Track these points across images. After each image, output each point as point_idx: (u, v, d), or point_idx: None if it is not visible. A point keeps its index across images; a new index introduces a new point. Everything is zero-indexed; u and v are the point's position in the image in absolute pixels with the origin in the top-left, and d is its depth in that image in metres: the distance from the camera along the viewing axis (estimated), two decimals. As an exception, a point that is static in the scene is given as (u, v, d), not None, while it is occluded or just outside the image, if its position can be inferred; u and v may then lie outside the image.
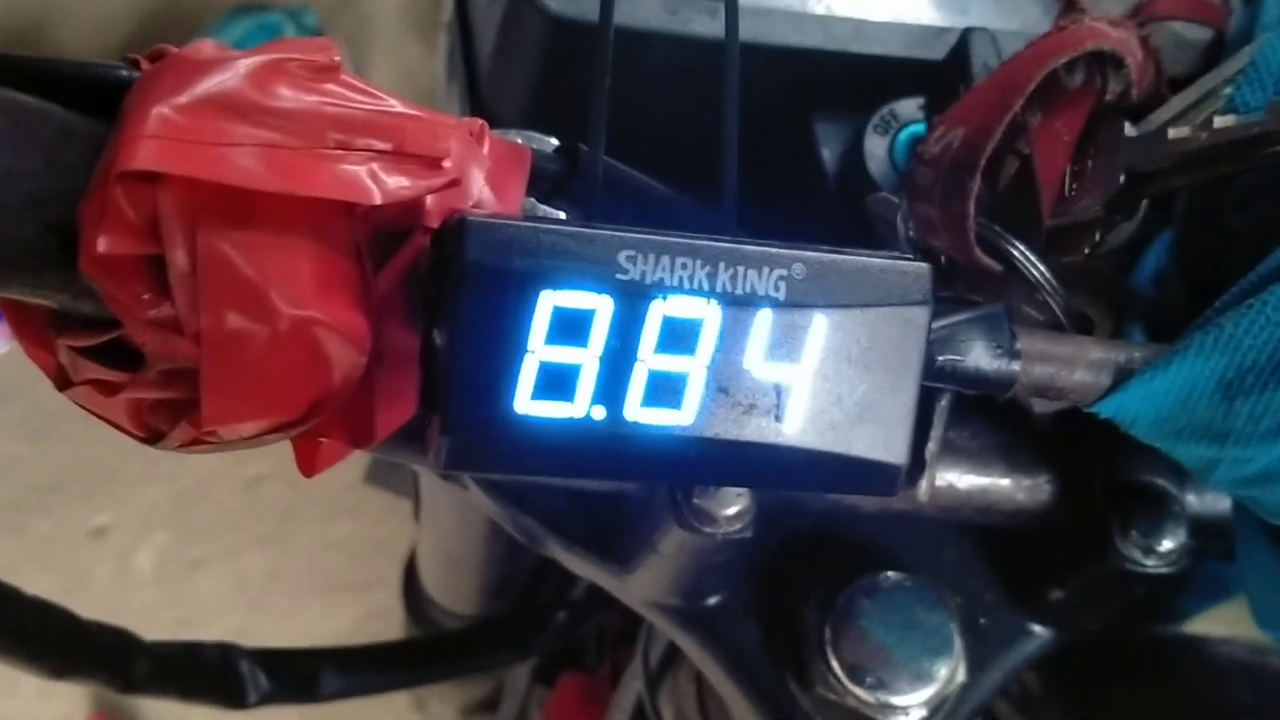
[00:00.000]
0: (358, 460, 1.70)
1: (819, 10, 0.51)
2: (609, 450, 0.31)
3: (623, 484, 0.48)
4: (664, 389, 0.31)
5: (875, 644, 0.48)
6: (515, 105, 0.54)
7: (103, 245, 0.27)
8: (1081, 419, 0.47)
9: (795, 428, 0.31)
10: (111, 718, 1.59)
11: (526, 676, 0.86)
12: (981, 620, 0.52)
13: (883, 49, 0.51)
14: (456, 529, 0.74)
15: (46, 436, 1.76)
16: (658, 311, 0.30)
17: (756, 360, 0.31)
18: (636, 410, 0.31)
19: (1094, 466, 0.49)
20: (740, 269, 0.30)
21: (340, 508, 1.81)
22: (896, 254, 0.32)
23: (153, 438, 0.33)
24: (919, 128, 0.49)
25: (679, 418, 0.31)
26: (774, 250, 0.31)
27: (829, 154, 0.51)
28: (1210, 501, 0.50)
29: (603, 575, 0.52)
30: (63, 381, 0.33)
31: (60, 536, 1.74)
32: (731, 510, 0.44)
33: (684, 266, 0.30)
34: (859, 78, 0.51)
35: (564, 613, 0.73)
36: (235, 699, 0.58)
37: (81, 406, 0.34)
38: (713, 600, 0.52)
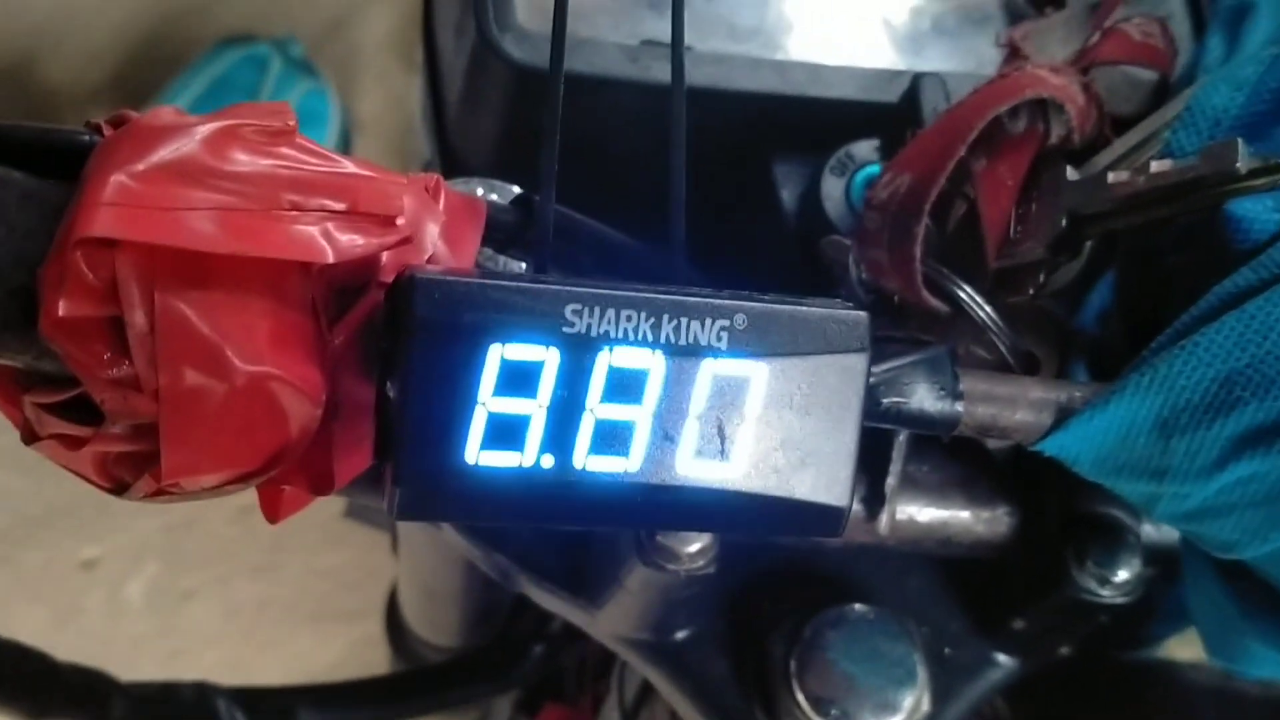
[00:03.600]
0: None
1: (776, 55, 0.53)
2: (558, 498, 0.32)
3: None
4: (611, 437, 0.32)
5: (840, 675, 0.49)
6: (482, 150, 0.55)
7: (63, 309, 0.28)
8: (1036, 454, 0.48)
9: (740, 473, 0.32)
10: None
11: (508, 708, 0.87)
12: (946, 650, 0.53)
13: (839, 93, 0.52)
14: (434, 564, 0.75)
15: (36, 468, 1.74)
16: (604, 362, 0.31)
17: (701, 408, 0.32)
18: (585, 458, 0.32)
19: (1050, 498, 0.50)
20: (683, 320, 0.31)
21: (330, 536, 1.81)
22: (837, 302, 0.33)
23: (118, 489, 0.34)
24: (875, 169, 0.50)
25: (626, 465, 0.32)
26: (716, 301, 0.32)
27: (788, 195, 0.52)
28: (1167, 530, 0.51)
29: (573, 611, 0.53)
30: (30, 435, 0.34)
31: (51, 568, 1.73)
32: (694, 548, 0.45)
33: (629, 319, 0.31)
34: (816, 121, 0.52)
35: (542, 645, 0.74)
36: (213, 739, 0.59)
37: (50, 458, 0.35)
38: (681, 634, 0.52)
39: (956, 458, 0.51)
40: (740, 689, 0.52)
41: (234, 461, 0.32)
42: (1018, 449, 0.50)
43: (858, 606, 0.50)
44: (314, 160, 0.32)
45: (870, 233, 0.42)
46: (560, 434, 0.31)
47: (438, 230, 0.35)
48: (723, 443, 0.32)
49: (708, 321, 0.32)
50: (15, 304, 0.29)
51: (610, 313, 0.31)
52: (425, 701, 0.69)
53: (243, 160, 0.31)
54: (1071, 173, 0.41)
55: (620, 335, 0.31)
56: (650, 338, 0.31)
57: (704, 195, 0.42)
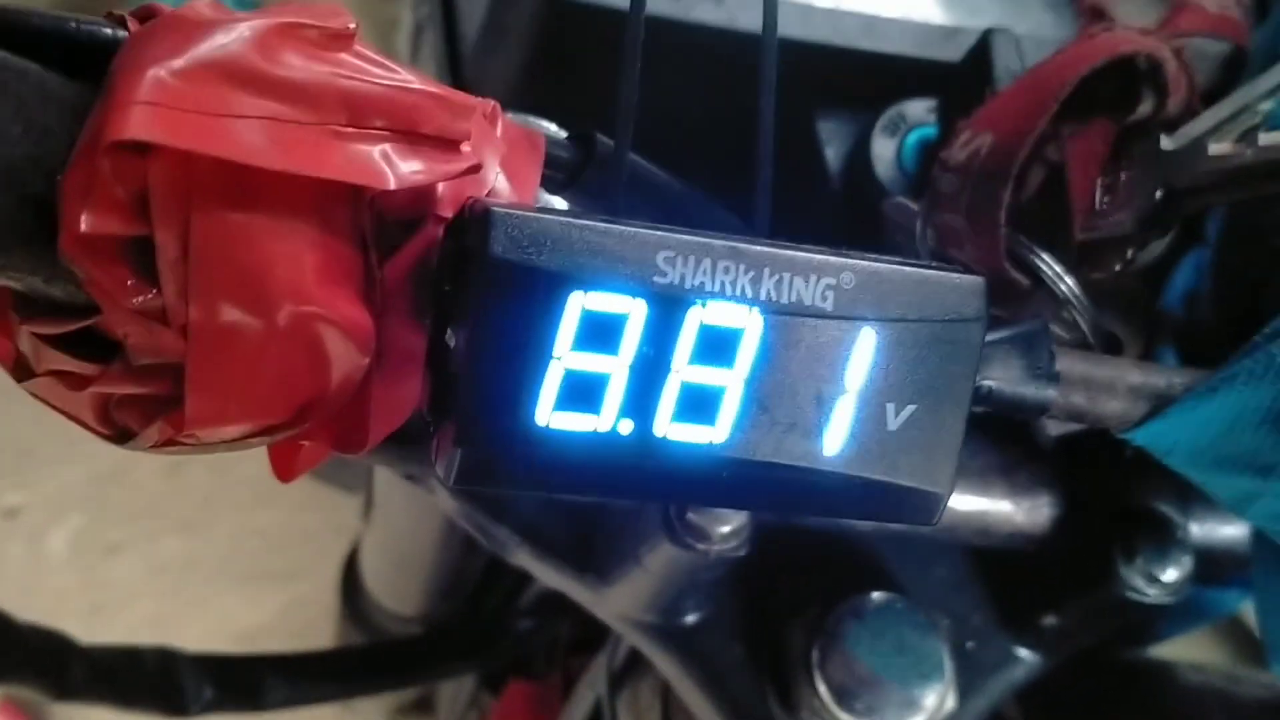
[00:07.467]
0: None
1: (827, 4, 0.49)
2: (636, 468, 0.28)
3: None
4: (698, 403, 0.28)
5: (864, 668, 0.46)
6: (503, 87, 0.51)
7: (86, 223, 0.24)
8: (1086, 441, 0.45)
9: (836, 451, 0.29)
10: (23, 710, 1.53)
11: (471, 683, 0.83)
12: (969, 644, 0.50)
13: (894, 47, 0.49)
14: (410, 530, 0.71)
15: (-43, 412, 1.69)
16: (695, 318, 0.28)
17: (799, 375, 0.28)
18: (667, 425, 0.28)
19: (1097, 491, 0.47)
20: (786, 276, 0.28)
21: (262, 495, 1.76)
22: (947, 265, 0.30)
23: (120, 437, 0.30)
24: (928, 130, 0.47)
25: (712, 435, 0.28)
26: (822, 257, 0.28)
27: (833, 154, 0.49)
28: (1210, 529, 0.49)
29: (577, 588, 0.49)
30: (22, 372, 0.30)
31: (-29, 516, 1.67)
32: (728, 528, 0.42)
33: (726, 271, 0.28)
34: (867, 76, 0.48)
35: (522, 621, 0.70)
36: (176, 708, 0.54)
37: (40, 399, 0.30)
38: (692, 618, 0.49)
39: (1000, 443, 0.48)
40: (754, 677, 0.49)
41: (265, 411, 0.28)
42: (1063, 437, 0.47)
43: (884, 596, 0.48)
44: (374, 70, 0.28)
45: (946, 197, 0.38)
46: (642, 397, 0.28)
47: (498, 162, 0.31)
48: (820, 416, 0.29)
49: (813, 279, 0.28)
50: (29, 214, 0.25)
51: (707, 263, 0.28)
52: (397, 676, 0.65)
53: (297, 65, 0.26)
54: (1166, 142, 0.38)
55: (716, 289, 0.28)
56: (749, 294, 0.28)
57: (742, 150, 0.38)
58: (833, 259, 0.28)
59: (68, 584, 1.67)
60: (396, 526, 0.73)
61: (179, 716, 0.54)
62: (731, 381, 0.28)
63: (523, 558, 0.50)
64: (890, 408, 0.29)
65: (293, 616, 1.69)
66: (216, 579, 1.73)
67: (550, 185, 0.35)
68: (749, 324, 0.28)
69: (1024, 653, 0.51)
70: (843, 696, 0.46)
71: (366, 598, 0.85)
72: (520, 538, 0.49)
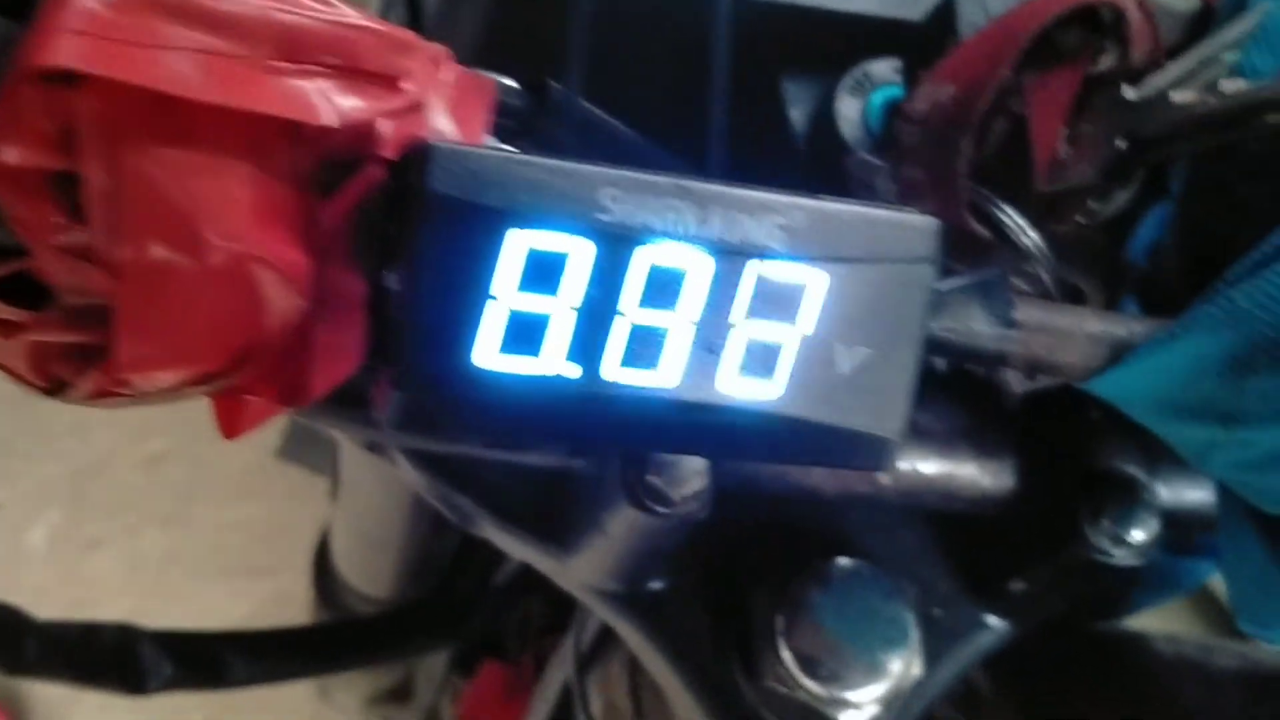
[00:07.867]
0: (265, 438, 1.64)
1: (789, -37, 0.48)
2: (583, 413, 0.28)
3: (579, 455, 0.45)
4: (646, 346, 0.28)
5: (829, 635, 0.45)
6: (464, 53, 0.50)
7: (10, 156, 0.24)
8: (1052, 402, 0.45)
9: (786, 394, 0.29)
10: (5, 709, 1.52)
11: (443, 665, 0.83)
12: (936, 611, 0.50)
13: (859, 7, 0.48)
14: (377, 508, 0.70)
15: (-66, 406, 1.68)
16: (642, 259, 0.27)
17: (748, 317, 0.28)
18: (614, 369, 0.28)
19: (1064, 452, 0.47)
20: (735, 215, 0.27)
21: (243, 489, 1.75)
22: (900, 207, 0.29)
23: (54, 388, 0.29)
24: (894, 90, 0.46)
25: (661, 379, 0.28)
26: (772, 196, 0.28)
27: (798, 114, 0.48)
28: (1178, 492, 0.48)
29: (541, 557, 0.49)
30: (-47, 321, 0.29)
31: (-51, 511, 1.66)
32: (688, 490, 0.41)
33: (673, 210, 0.27)
34: (832, 36, 0.48)
35: (487, 599, 0.70)
36: (134, 684, 0.53)
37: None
38: (656, 586, 0.48)
39: (965, 405, 0.47)
40: (718, 646, 0.48)
41: (199, 356, 0.27)
42: (1029, 398, 0.47)
43: (849, 562, 0.47)
44: (312, 5, 0.27)
45: (908, 149, 0.38)
46: (588, 340, 0.27)
47: (444, 106, 0.30)
48: (769, 358, 0.28)
49: (762, 218, 0.28)
50: (-49, 149, 0.24)
51: (653, 201, 0.27)
52: (363, 652, 0.64)
53: (231, -3, 0.26)
54: (1129, 91, 0.37)
55: (663, 228, 0.27)
56: (697, 233, 0.27)
57: (704, 110, 0.38)
58: (783, 198, 0.28)
59: (47, 579, 1.66)
60: (364, 505, 0.72)
61: (137, 693, 0.53)
62: (680, 323, 0.28)
63: (486, 528, 0.49)
64: (841, 350, 0.29)
65: (273, 610, 1.68)
66: (197, 573, 1.72)
67: (503, 134, 0.34)
68: (697, 264, 0.27)
69: (992, 619, 0.50)
70: (807, 664, 0.45)
71: (338, 581, 0.84)
72: (483, 508, 0.48)
